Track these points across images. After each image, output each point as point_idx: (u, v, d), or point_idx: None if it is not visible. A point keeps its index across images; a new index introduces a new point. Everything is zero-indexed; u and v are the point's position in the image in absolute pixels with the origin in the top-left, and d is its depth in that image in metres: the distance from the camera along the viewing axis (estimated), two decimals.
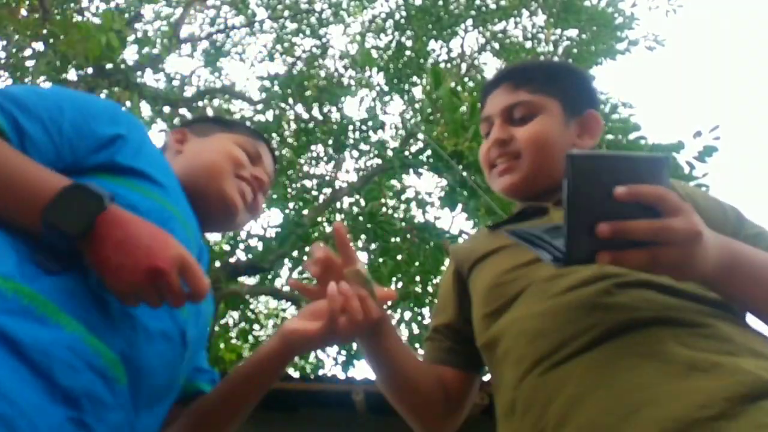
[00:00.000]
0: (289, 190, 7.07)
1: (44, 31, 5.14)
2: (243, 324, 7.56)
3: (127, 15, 6.22)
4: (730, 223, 0.85)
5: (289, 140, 7.31)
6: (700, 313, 0.71)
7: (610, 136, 6.34)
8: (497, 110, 0.99)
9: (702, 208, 0.82)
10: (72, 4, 5.84)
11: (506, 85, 0.99)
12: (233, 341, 7.55)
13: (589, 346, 0.69)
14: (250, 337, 7.63)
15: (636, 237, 0.59)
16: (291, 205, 7.04)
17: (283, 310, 7.97)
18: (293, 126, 7.29)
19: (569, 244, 0.60)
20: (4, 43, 5.62)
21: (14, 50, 5.74)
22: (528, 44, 7.64)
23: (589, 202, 0.59)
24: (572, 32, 7.56)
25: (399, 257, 6.48)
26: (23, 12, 5.45)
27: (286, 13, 7.65)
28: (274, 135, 7.19)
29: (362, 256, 7.01)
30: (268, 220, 6.88)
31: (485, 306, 0.87)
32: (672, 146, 4.66)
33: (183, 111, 7.07)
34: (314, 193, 7.29)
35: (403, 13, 7.50)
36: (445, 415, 0.95)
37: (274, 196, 6.88)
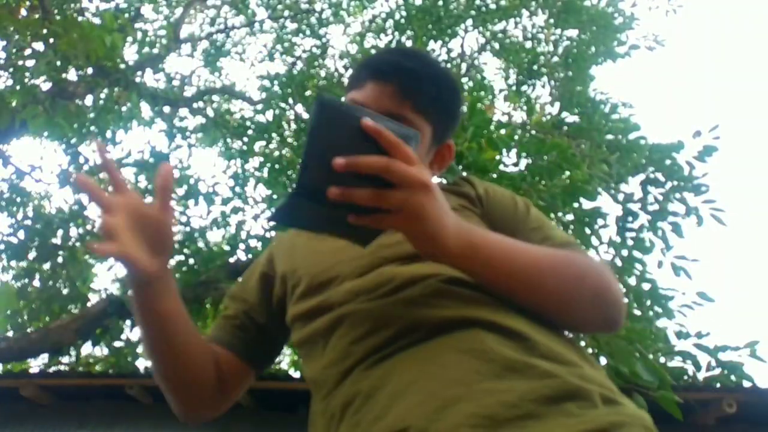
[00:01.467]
0: (289, 190, 7.07)
1: (44, 31, 5.14)
2: None
3: (127, 15, 6.23)
4: (519, 214, 0.91)
5: (289, 140, 7.31)
6: (520, 317, 0.73)
7: (610, 136, 6.35)
8: (373, 107, 0.85)
9: (496, 198, 0.93)
10: (72, 4, 5.85)
11: (395, 86, 0.86)
12: None
13: (416, 342, 0.71)
14: None
15: (363, 170, 0.60)
16: None
17: None
18: (293, 126, 7.30)
19: (303, 176, 0.62)
20: (4, 43, 5.63)
21: (14, 50, 5.74)
22: (528, 44, 7.64)
23: (329, 144, 0.61)
24: (572, 32, 7.56)
25: None
26: (23, 12, 5.44)
27: (286, 13, 7.65)
28: (274, 135, 7.19)
29: None
30: (268, 220, 6.87)
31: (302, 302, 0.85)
32: (672, 146, 4.66)
33: (183, 111, 7.08)
34: None
35: (403, 13, 7.50)
36: (212, 402, 0.89)
37: (274, 197, 6.88)
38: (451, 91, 0.93)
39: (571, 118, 7.23)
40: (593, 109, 7.14)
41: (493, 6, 7.39)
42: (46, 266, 6.67)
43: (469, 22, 7.42)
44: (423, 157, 0.90)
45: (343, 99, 0.91)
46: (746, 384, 3.27)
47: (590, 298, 0.77)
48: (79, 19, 5.34)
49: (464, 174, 1.19)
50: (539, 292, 0.74)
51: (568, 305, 0.76)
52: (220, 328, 0.96)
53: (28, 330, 6.44)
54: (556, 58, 7.55)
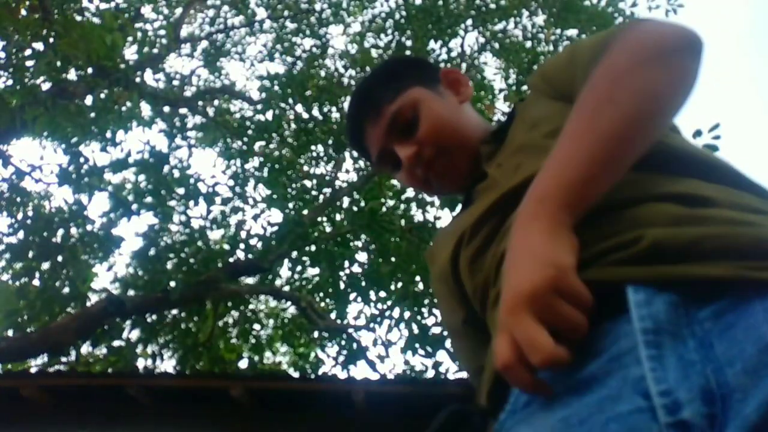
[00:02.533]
0: (289, 189, 7.07)
1: (44, 31, 5.14)
2: (243, 324, 7.57)
3: (126, 15, 6.22)
4: (568, 72, 0.80)
5: (289, 140, 7.31)
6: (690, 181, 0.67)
7: None
8: (384, 139, 0.92)
9: (547, 76, 0.87)
10: (72, 4, 5.84)
11: (368, 118, 0.93)
12: (233, 341, 7.56)
13: None
14: (251, 337, 7.64)
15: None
16: (291, 204, 7.05)
17: (284, 310, 7.97)
18: (293, 126, 7.30)
19: None
20: (4, 43, 5.63)
21: (14, 50, 5.74)
22: (528, 44, 7.64)
23: None
24: (572, 32, 7.56)
25: (399, 257, 6.48)
26: (23, 12, 5.44)
27: (286, 13, 7.65)
28: (274, 135, 7.19)
29: (362, 256, 7.00)
30: (268, 220, 6.88)
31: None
32: None
33: (183, 111, 7.08)
34: (314, 193, 7.30)
35: (403, 13, 7.50)
36: None
37: (274, 197, 6.88)
38: (392, 64, 1.05)
39: None
40: None
41: (493, 6, 7.39)
42: (46, 266, 6.67)
43: (469, 21, 7.42)
44: (441, 100, 0.93)
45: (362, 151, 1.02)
46: None
47: (648, 79, 0.63)
48: (79, 19, 5.33)
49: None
50: (630, 128, 0.62)
51: (655, 102, 0.63)
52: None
53: (28, 330, 6.44)
54: None
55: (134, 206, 6.52)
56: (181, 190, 6.65)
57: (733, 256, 0.55)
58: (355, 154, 7.20)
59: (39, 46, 5.48)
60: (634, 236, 0.58)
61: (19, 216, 6.59)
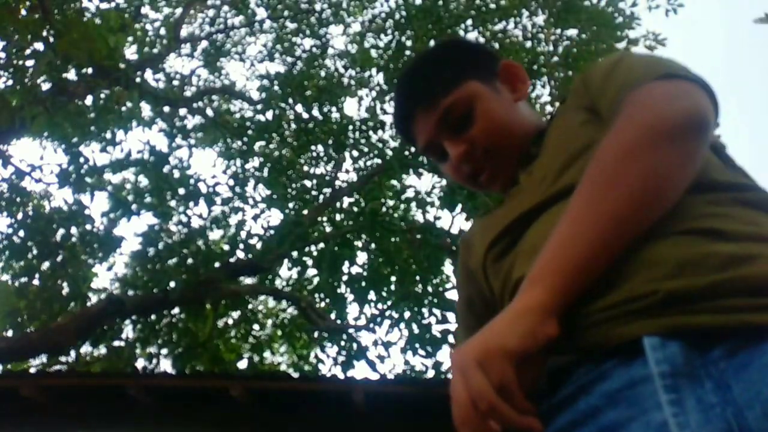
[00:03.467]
0: (289, 189, 7.07)
1: (44, 32, 5.13)
2: (243, 324, 7.56)
3: (126, 15, 6.22)
4: (604, 98, 0.79)
5: (289, 140, 7.31)
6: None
7: None
8: (434, 131, 0.90)
9: (589, 84, 0.83)
10: (72, 4, 5.84)
11: (419, 105, 0.91)
12: (233, 341, 7.56)
13: None
14: (250, 338, 7.64)
15: None
16: (291, 204, 7.05)
17: (283, 310, 7.97)
18: (293, 126, 7.29)
19: None
20: (4, 43, 5.62)
21: (14, 50, 5.73)
22: (528, 44, 7.63)
23: None
24: (572, 32, 7.56)
25: (399, 257, 6.48)
26: (23, 12, 5.44)
27: (286, 13, 7.64)
28: (274, 135, 7.19)
29: (362, 256, 7.00)
30: (268, 220, 6.88)
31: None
32: None
33: (183, 111, 7.07)
34: (314, 192, 7.30)
35: (403, 13, 7.50)
36: None
37: (274, 197, 6.88)
38: (445, 52, 0.99)
39: None
40: None
41: (493, 6, 7.39)
42: (46, 265, 6.67)
43: (469, 21, 7.42)
44: (497, 97, 0.90)
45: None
46: None
47: (656, 154, 0.63)
48: (81, 19, 5.33)
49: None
50: (638, 209, 0.62)
51: (662, 181, 0.63)
52: None
53: (28, 330, 6.44)
54: (556, 58, 7.55)
55: (134, 206, 6.52)
56: (181, 190, 6.65)
57: (742, 298, 0.56)
58: (356, 154, 7.22)
59: (39, 46, 5.48)
60: (648, 290, 0.59)
61: (19, 216, 6.59)
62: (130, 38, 5.52)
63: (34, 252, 6.58)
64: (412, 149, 6.52)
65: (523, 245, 0.76)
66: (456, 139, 0.88)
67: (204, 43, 7.71)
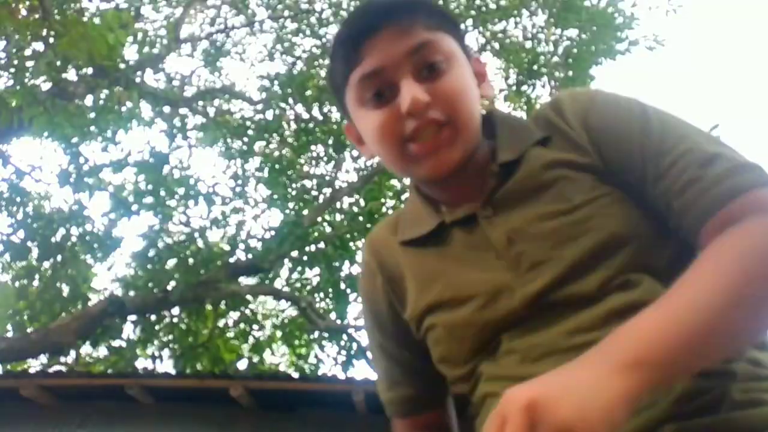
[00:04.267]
0: (289, 189, 7.06)
1: (44, 32, 5.13)
2: (242, 324, 7.56)
3: (126, 15, 6.21)
4: (649, 144, 0.67)
5: (289, 140, 7.31)
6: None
7: None
8: (399, 58, 0.70)
9: (604, 125, 0.71)
10: (72, 4, 5.84)
11: (392, 24, 0.71)
12: (233, 341, 7.56)
13: None
14: (250, 338, 7.64)
15: None
16: (291, 205, 7.04)
17: (282, 311, 7.97)
18: (293, 126, 7.29)
19: None
20: (4, 43, 5.62)
21: (14, 50, 5.73)
22: (528, 44, 7.63)
23: None
24: (572, 32, 7.56)
25: None
26: (23, 12, 5.44)
27: (286, 13, 7.64)
28: (274, 135, 7.19)
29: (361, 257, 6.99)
30: (268, 221, 6.88)
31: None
32: None
33: (183, 111, 7.07)
34: (314, 193, 7.29)
35: None
36: None
37: (275, 197, 6.88)
38: (437, 5, 0.82)
39: None
40: None
41: (493, 6, 7.39)
42: (47, 265, 6.67)
43: (470, 21, 7.42)
44: (471, 76, 0.76)
45: (338, 83, 0.77)
46: None
47: None
48: (81, 18, 5.33)
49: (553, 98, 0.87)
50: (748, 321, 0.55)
51: None
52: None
53: (28, 330, 6.44)
54: (556, 58, 7.55)
55: (134, 206, 6.51)
56: (181, 190, 6.65)
57: None
58: (356, 154, 7.21)
59: (39, 46, 5.47)
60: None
61: (19, 216, 6.59)
62: (130, 38, 5.51)
63: (35, 252, 6.58)
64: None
65: (522, 344, 0.66)
66: (420, 82, 0.70)
67: (204, 43, 7.71)
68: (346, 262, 6.84)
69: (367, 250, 0.87)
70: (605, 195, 0.68)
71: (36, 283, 6.73)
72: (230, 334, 7.58)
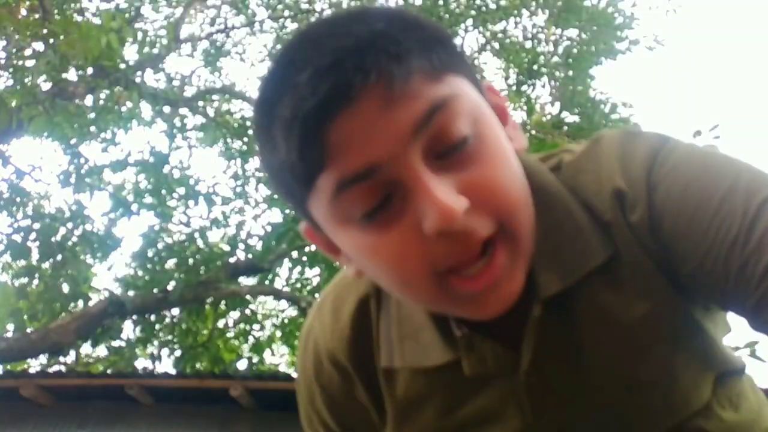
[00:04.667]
0: None
1: (44, 32, 5.13)
2: (242, 324, 7.56)
3: (127, 15, 6.22)
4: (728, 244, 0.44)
5: None
6: None
7: None
8: (395, 143, 0.42)
9: (681, 224, 0.46)
10: (72, 4, 5.85)
11: (367, 82, 0.41)
12: (233, 341, 7.56)
13: None
14: (250, 338, 7.64)
15: None
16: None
17: (282, 311, 7.97)
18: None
19: None
20: (4, 43, 5.62)
21: (14, 50, 5.73)
22: (528, 44, 7.63)
23: None
24: (572, 32, 7.56)
25: None
26: (23, 12, 5.45)
27: (287, 13, 7.64)
28: None
29: None
30: (269, 220, 6.87)
31: None
32: None
33: (183, 111, 7.06)
34: None
35: None
36: None
37: (275, 196, 6.87)
38: (430, 21, 0.48)
39: (571, 117, 7.24)
40: (593, 108, 7.14)
41: (493, 6, 7.38)
42: (47, 266, 6.67)
43: (470, 22, 7.42)
44: (507, 147, 0.47)
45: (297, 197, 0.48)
46: None
47: None
48: (79, 19, 5.34)
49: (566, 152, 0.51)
50: None
51: None
52: None
53: (28, 330, 6.44)
54: (556, 58, 7.54)
55: (134, 206, 6.51)
56: (181, 190, 6.65)
57: None
58: None
59: (39, 46, 5.47)
60: None
61: (20, 216, 6.59)
62: (129, 38, 5.51)
63: (35, 252, 6.58)
64: None
65: None
66: (440, 175, 0.42)
67: (204, 43, 7.71)
68: None
69: (328, 359, 0.59)
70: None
71: (36, 282, 6.73)
72: (230, 334, 7.57)
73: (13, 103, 5.36)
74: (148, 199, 6.51)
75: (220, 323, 7.39)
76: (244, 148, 7.06)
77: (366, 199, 0.43)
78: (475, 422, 0.53)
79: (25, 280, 6.77)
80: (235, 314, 7.49)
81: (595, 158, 0.50)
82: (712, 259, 0.44)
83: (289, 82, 0.42)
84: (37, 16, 5.25)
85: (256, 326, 7.74)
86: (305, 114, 0.41)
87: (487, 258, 0.44)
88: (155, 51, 6.85)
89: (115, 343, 6.66)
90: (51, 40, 5.02)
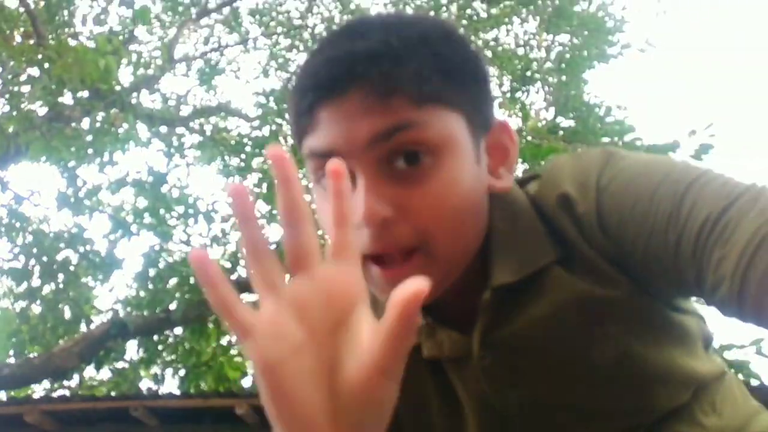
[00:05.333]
0: None
1: (39, 57, 5.17)
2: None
3: (120, 37, 6.27)
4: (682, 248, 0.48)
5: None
6: None
7: (605, 139, 6.37)
8: (355, 142, 0.50)
9: (633, 230, 0.50)
10: (66, 29, 5.90)
11: (366, 84, 0.49)
12: (237, 359, 7.53)
13: None
14: None
15: None
16: None
17: None
18: (290, 141, 7.31)
19: None
20: (0, 70, 5.66)
21: (10, 77, 5.77)
22: (521, 51, 7.68)
23: None
24: (564, 37, 7.61)
25: None
26: (18, 39, 5.49)
27: (279, 29, 7.70)
28: None
29: None
30: (268, 237, 6.88)
31: None
32: (668, 146, 4.69)
33: (180, 130, 7.10)
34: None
35: None
36: None
37: (274, 212, 6.88)
38: (443, 35, 0.54)
39: (566, 122, 7.27)
40: (588, 112, 7.17)
41: (484, 15, 7.44)
42: (48, 289, 6.66)
43: (461, 31, 7.48)
44: (474, 165, 0.53)
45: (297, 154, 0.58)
46: (754, 382, 3.25)
47: None
48: (73, 43, 5.38)
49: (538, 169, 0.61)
50: None
51: None
52: None
53: (31, 355, 6.42)
54: (549, 64, 7.59)
55: (134, 227, 6.52)
56: (180, 209, 6.65)
57: None
58: None
59: (34, 71, 5.51)
60: None
61: (20, 241, 6.59)
62: (124, 60, 5.55)
63: (36, 276, 6.58)
64: None
65: None
66: (383, 181, 0.50)
67: (199, 63, 7.77)
68: None
69: None
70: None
71: (37, 305, 6.72)
72: (234, 352, 7.54)
73: (10, 129, 5.38)
74: (148, 219, 6.52)
75: (224, 341, 7.37)
76: (242, 164, 7.08)
77: (318, 166, 0.53)
78: (436, 407, 0.59)
79: (25, 303, 6.76)
80: None
81: (552, 172, 0.58)
82: (654, 242, 0.49)
83: (312, 62, 0.54)
84: (31, 42, 5.29)
85: None
86: (307, 88, 0.53)
87: (399, 260, 0.51)
88: (150, 72, 6.90)
89: (119, 365, 6.64)
90: (46, 65, 5.05)
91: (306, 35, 7.64)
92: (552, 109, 7.46)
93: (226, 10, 7.73)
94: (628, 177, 0.52)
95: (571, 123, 7.25)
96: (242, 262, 6.70)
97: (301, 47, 7.67)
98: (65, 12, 5.68)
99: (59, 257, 6.54)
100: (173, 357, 7.08)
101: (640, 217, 0.50)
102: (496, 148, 0.57)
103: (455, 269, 0.53)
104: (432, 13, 7.21)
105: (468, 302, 0.55)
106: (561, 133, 6.95)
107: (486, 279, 0.55)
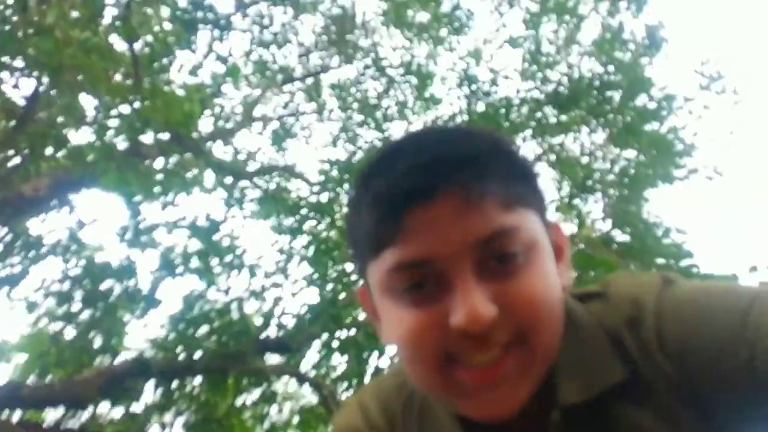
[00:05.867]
0: (330, 270, 7.09)
1: (132, 96, 5.56)
2: (261, 405, 7.34)
3: (209, 90, 6.71)
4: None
5: (339, 223, 7.43)
6: None
7: (661, 260, 6.16)
8: (456, 248, 0.50)
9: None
10: (162, 74, 6.36)
11: (457, 183, 0.50)
12: (249, 422, 7.31)
13: None
14: (267, 420, 7.38)
15: None
16: (329, 286, 7.03)
17: (303, 396, 7.73)
18: (345, 210, 7.44)
19: None
20: (96, 102, 6.10)
21: (101, 111, 6.20)
22: (584, 159, 7.72)
23: None
24: (630, 153, 7.62)
25: None
26: (118, 77, 5.95)
27: (355, 105, 8.08)
28: (325, 216, 7.33)
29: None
30: (305, 300, 6.86)
31: None
32: (725, 278, 4.48)
33: (243, 183, 7.36)
34: (353, 277, 7.28)
35: (465, 117, 7.77)
36: None
37: (315, 276, 6.89)
38: (517, 148, 0.58)
39: (621, 236, 7.12)
40: (645, 230, 7.01)
41: (553, 120, 7.58)
42: (85, 316, 6.76)
43: (528, 132, 7.61)
44: (554, 280, 0.55)
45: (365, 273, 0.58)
46: None
47: None
48: (166, 88, 5.79)
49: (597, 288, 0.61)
50: None
51: None
52: None
53: (50, 377, 6.44)
54: (611, 176, 7.56)
55: (180, 268, 6.63)
56: (228, 258, 6.76)
57: None
58: None
59: (125, 108, 5.92)
60: None
61: (71, 264, 6.80)
62: (207, 111, 5.91)
63: (77, 301, 6.70)
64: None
65: None
66: (483, 282, 0.50)
67: (275, 124, 8.17)
68: (375, 353, 6.66)
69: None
70: None
71: (71, 329, 6.81)
72: (248, 414, 7.35)
73: (89, 157, 5.72)
74: (195, 263, 6.64)
75: (239, 400, 7.21)
76: (295, 225, 7.22)
77: (413, 278, 0.52)
78: None
79: (60, 324, 6.86)
80: (255, 392, 7.32)
81: (616, 291, 0.59)
82: (724, 362, 0.49)
83: (391, 166, 0.52)
84: (128, 81, 5.72)
85: (274, 407, 7.52)
86: (393, 195, 0.51)
87: (497, 357, 0.50)
88: (228, 125, 7.29)
89: (133, 407, 6.55)
90: (136, 104, 5.42)
91: (379, 114, 7.97)
92: (608, 222, 7.35)
93: (309, 80, 8.21)
94: (688, 300, 0.53)
95: (626, 238, 7.09)
96: (275, 320, 6.66)
97: (372, 124, 7.98)
98: (165, 60, 6.15)
99: (103, 287, 6.68)
100: (187, 406, 6.95)
101: (707, 339, 0.50)
102: (554, 246, 0.58)
103: (545, 369, 0.53)
104: (503, 111, 7.41)
105: (529, 423, 0.54)
106: (615, 246, 6.78)
107: (549, 398, 0.54)
